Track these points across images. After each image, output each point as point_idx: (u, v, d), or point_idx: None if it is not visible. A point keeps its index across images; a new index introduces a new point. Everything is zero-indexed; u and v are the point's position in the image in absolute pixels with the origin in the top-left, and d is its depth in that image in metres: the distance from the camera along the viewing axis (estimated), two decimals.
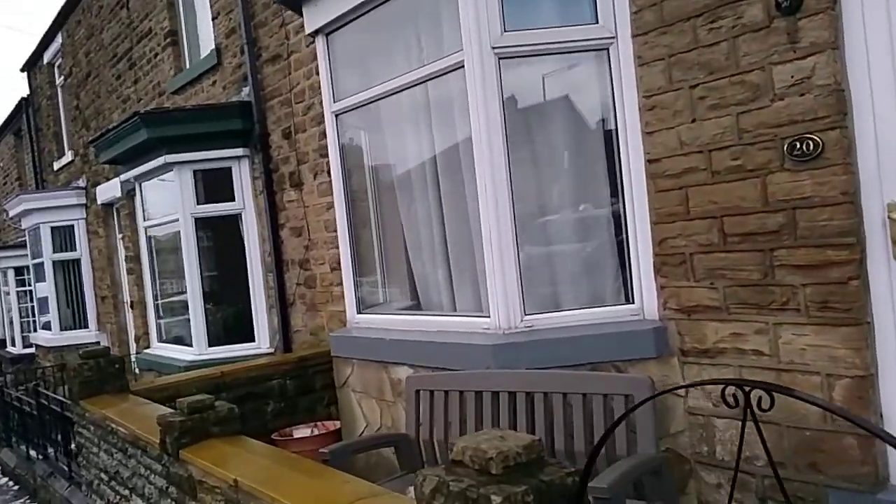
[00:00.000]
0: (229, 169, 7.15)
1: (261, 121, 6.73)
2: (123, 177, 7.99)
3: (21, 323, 15.78)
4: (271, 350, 7.07)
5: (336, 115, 4.83)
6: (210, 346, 7.18)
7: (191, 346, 7.26)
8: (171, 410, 3.90)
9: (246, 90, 6.95)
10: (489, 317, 3.80)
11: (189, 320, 7.43)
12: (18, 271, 15.75)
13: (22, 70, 14.80)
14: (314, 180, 6.15)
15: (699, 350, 3.52)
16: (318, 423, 5.25)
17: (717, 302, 3.44)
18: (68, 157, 12.74)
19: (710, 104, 3.45)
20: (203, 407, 3.63)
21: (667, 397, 3.51)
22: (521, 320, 3.73)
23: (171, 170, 7.13)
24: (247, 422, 5.63)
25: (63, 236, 12.19)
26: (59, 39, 12.57)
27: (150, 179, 7.77)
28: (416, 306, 4.65)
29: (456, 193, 4.30)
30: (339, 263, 5.91)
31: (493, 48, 3.74)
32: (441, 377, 3.76)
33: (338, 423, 5.09)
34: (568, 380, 3.23)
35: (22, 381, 10.83)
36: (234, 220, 7.32)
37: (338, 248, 5.90)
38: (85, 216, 12.10)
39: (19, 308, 15.78)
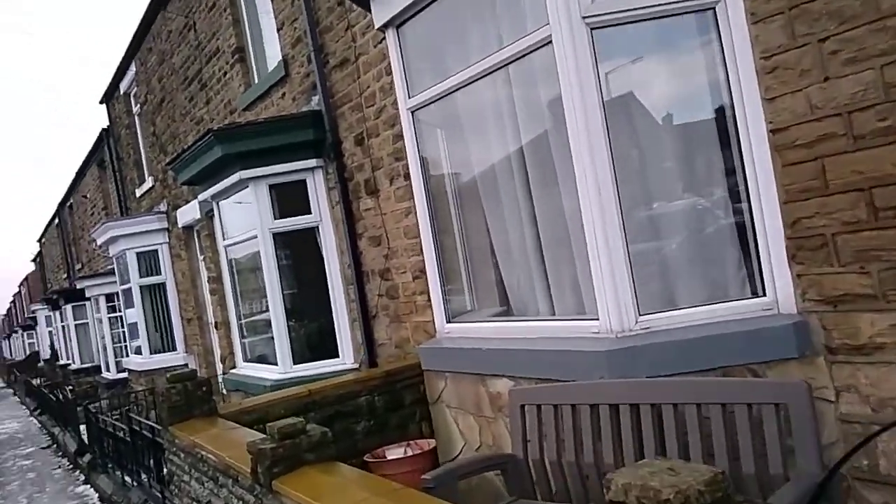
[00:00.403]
0: (304, 181, 6.99)
1: (332, 129, 6.53)
2: (201, 197, 7.99)
3: (114, 349, 16.30)
4: (356, 365, 6.85)
5: (412, 112, 4.54)
6: (295, 363, 7.02)
7: (276, 364, 7.12)
8: (262, 436, 3.68)
9: (316, 99, 6.78)
10: (597, 319, 3.40)
11: (272, 338, 7.31)
12: (109, 298, 16.29)
13: (101, 102, 15.33)
14: (390, 186, 5.88)
15: (851, 346, 3.01)
16: (411, 443, 4.95)
17: (871, 289, 2.94)
18: (149, 183, 13.04)
19: (845, 58, 2.97)
20: (295, 432, 3.38)
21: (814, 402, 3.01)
22: (636, 321, 3.30)
23: (247, 186, 7.03)
24: (337, 442, 5.40)
25: (148, 261, 12.46)
26: (132, 69, 12.91)
27: (226, 198, 7.72)
28: (506, 312, 4.29)
29: (547, 187, 3.92)
30: (422, 271, 5.63)
31: (584, 18, 3.35)
32: (548, 389, 3.38)
33: (432, 442, 4.78)
34: (703, 387, 2.78)
35: (116, 406, 11.07)
36: (311, 234, 7.15)
37: (420, 254, 5.63)
38: (168, 240, 12.33)
39: (111, 334, 16.30)
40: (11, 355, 50.13)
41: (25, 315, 42.31)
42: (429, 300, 5.59)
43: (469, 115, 4.43)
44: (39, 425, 17.21)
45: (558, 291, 3.91)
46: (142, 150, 13.90)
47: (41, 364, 29.81)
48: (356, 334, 6.82)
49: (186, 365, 12.22)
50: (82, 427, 10.91)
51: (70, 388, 17.01)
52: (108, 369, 16.64)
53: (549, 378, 3.48)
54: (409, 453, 4.81)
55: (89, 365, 20.44)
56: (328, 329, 7.14)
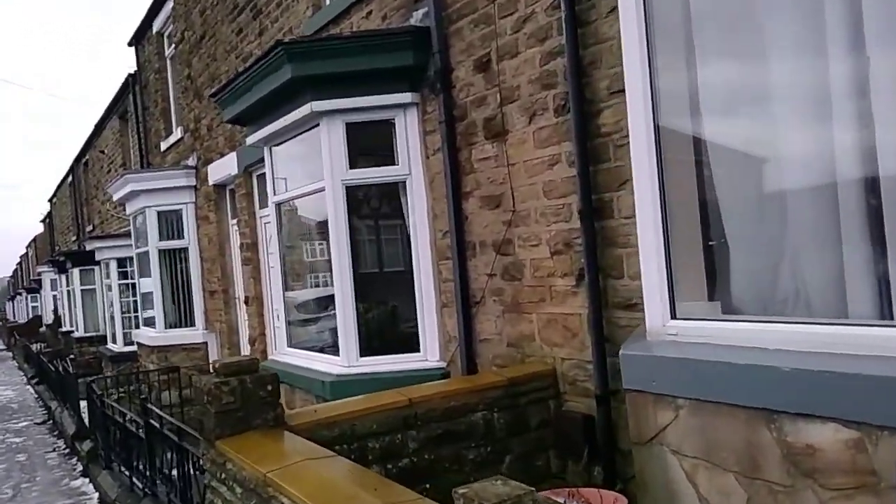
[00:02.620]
0: (391, 122, 5.41)
1: (442, 50, 4.94)
2: (252, 139, 6.42)
3: (122, 319, 14.80)
4: (442, 364, 5.27)
5: None
6: (362, 356, 5.45)
7: (336, 354, 5.56)
8: (369, 472, 2.12)
9: (419, 14, 5.19)
10: None
11: (333, 321, 5.75)
12: (121, 263, 14.77)
13: (129, 44, 13.78)
14: (528, 125, 4.30)
15: None
16: (575, 492, 3.33)
17: None
18: (177, 134, 11.49)
19: None
20: None
21: None
22: None
23: (317, 124, 5.46)
24: (439, 476, 3.85)
25: (170, 222, 10.91)
26: (169, 3, 11.34)
27: (284, 140, 6.15)
28: (766, 309, 2.69)
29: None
30: (567, 245, 4.07)
31: None
32: None
33: (613, 497, 3.18)
34: None
35: (122, 384, 9.55)
36: (393, 191, 5.58)
37: (565, 220, 4.06)
38: (194, 199, 10.78)
39: (121, 303, 14.80)
40: (14, 317, 48.88)
41: (31, 277, 40.99)
42: (575, 284, 4.02)
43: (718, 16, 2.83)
44: (36, 396, 15.76)
45: None
46: (171, 99, 12.35)
47: (43, 329, 28.41)
48: (445, 324, 5.25)
49: (206, 343, 10.70)
50: (84, 403, 9.41)
51: (72, 357, 15.53)
52: (114, 341, 15.13)
53: None
54: None
55: (94, 334, 18.97)
56: (407, 315, 5.58)
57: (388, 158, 5.51)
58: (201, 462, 3.43)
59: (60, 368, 11.26)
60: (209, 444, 3.26)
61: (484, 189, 4.74)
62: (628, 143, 3.13)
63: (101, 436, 7.09)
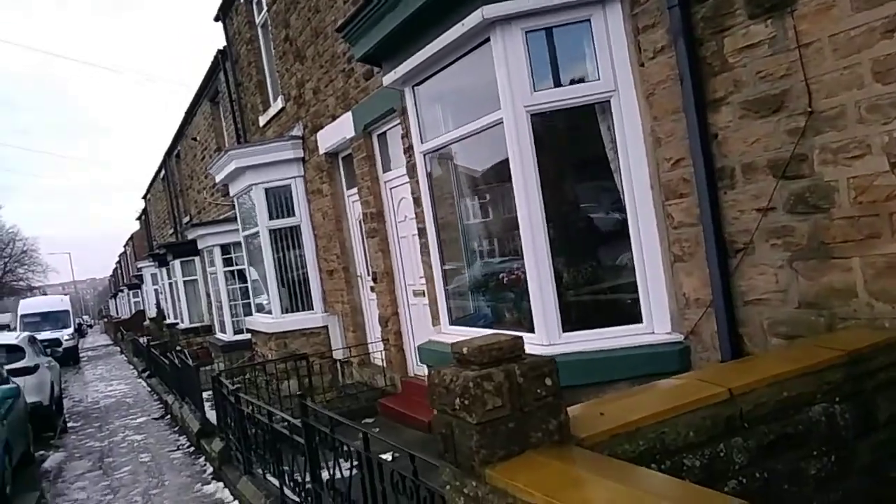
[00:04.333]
0: (584, 24, 4.13)
1: None
2: (389, 79, 5.27)
3: (230, 306, 14.21)
4: (678, 337, 4.01)
5: None
6: (565, 331, 4.24)
7: (527, 330, 4.37)
8: None
9: None
10: None
11: (515, 290, 4.59)
12: (224, 249, 14.16)
13: (216, 19, 12.99)
14: None
15: None
16: None
17: None
18: (278, 104, 10.57)
19: None
20: None
21: None
22: None
23: (487, 38, 4.26)
24: (773, 500, 2.61)
25: (279, 199, 10.02)
26: None
27: (432, 74, 4.99)
28: None
29: None
30: None
31: None
32: None
33: None
34: None
35: (235, 374, 8.75)
36: (589, 115, 4.32)
37: None
38: (303, 172, 9.83)
39: (228, 290, 14.20)
40: (118, 314, 50.71)
41: (131, 274, 42.15)
42: None
43: None
44: (149, 389, 15.49)
45: None
46: (266, 69, 11.46)
47: (146, 323, 28.84)
48: (682, 284, 3.97)
49: (326, 328, 9.80)
50: (205, 395, 8.68)
51: (178, 349, 15.13)
52: (223, 330, 14.60)
53: None
54: None
55: (199, 324, 18.72)
56: (621, 276, 4.33)
57: (583, 72, 4.25)
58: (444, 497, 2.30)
59: (176, 360, 10.64)
60: (469, 474, 2.11)
61: (749, 90, 3.40)
62: None
63: (237, 435, 6.21)
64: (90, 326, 65.10)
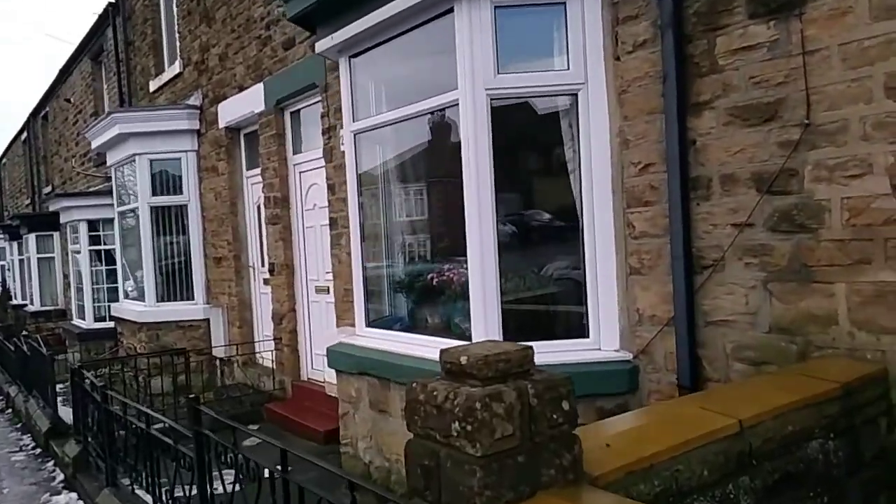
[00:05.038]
0: (559, 7, 3.77)
1: None
2: (325, 44, 4.67)
3: (93, 290, 12.75)
4: (626, 356, 3.71)
5: None
6: (506, 339, 3.83)
7: (457, 337, 3.93)
8: None
9: None
10: None
11: (443, 293, 4.17)
12: (92, 226, 12.70)
13: None
14: None
15: None
16: None
17: None
18: (175, 69, 9.54)
19: None
20: None
21: None
22: None
23: (451, 7, 3.81)
24: None
25: (165, 174, 9.01)
26: None
27: (375, 44, 4.47)
28: None
29: None
30: None
31: None
32: None
33: None
34: None
35: (89, 367, 7.70)
36: (551, 108, 3.97)
37: None
38: (197, 147, 8.89)
39: (92, 271, 12.74)
40: None
41: None
42: None
43: None
44: None
45: None
46: (164, 29, 10.36)
47: None
48: (636, 299, 3.68)
49: (207, 321, 8.90)
50: (58, 389, 7.56)
51: (25, 334, 13.40)
52: (81, 315, 13.06)
53: None
54: None
55: (51, 308, 16.83)
56: (567, 284, 3.99)
57: (550, 63, 3.89)
58: None
59: (24, 346, 9.27)
60: None
61: (738, 95, 3.16)
62: None
63: (100, 439, 5.30)
64: None
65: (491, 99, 3.79)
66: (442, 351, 1.81)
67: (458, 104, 3.85)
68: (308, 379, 7.13)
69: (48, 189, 18.57)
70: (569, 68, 3.78)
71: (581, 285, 3.87)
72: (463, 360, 1.70)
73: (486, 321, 3.82)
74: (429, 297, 4.63)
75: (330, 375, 6.06)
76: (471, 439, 1.57)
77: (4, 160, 26.67)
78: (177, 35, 9.59)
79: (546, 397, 1.68)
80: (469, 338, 3.88)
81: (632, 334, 3.72)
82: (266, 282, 7.82)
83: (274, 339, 7.43)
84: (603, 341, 3.80)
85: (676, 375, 3.47)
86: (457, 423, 1.60)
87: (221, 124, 8.23)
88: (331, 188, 6.17)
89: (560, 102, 3.92)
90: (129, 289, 10.03)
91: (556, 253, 4.11)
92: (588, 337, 3.84)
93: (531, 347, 1.78)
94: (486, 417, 1.57)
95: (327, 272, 6.55)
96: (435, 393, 1.68)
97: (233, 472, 3.26)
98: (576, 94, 3.79)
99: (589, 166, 3.79)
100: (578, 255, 3.87)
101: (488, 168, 3.80)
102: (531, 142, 4.24)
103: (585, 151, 3.79)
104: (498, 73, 3.79)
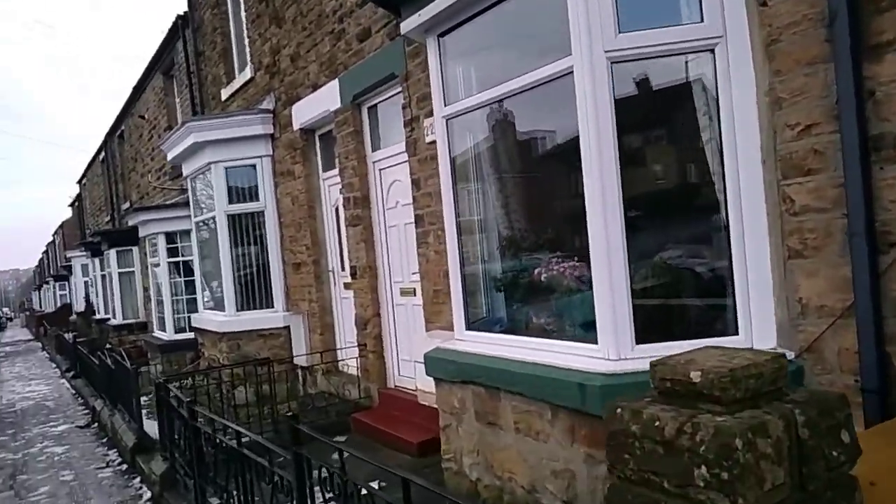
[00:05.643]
0: None
1: None
2: (411, 23, 4.27)
3: (173, 302, 12.82)
4: (787, 355, 3.11)
5: None
6: (639, 342, 3.32)
7: (586, 340, 3.44)
8: None
9: None
10: None
11: (567, 286, 3.66)
12: (170, 238, 12.79)
13: None
14: None
15: None
16: None
17: None
18: (245, 74, 9.40)
19: None
20: None
21: None
22: None
23: None
24: None
25: (241, 181, 8.85)
26: None
27: (468, 18, 4.03)
28: None
29: None
30: None
31: None
32: None
33: None
34: None
35: (181, 378, 7.54)
36: (679, 81, 3.43)
37: None
38: (271, 151, 8.69)
39: (171, 283, 12.81)
40: (41, 307, 47.50)
41: (59, 264, 39.45)
42: None
43: None
44: (73, 392, 13.88)
45: None
46: (233, 36, 10.26)
47: (73, 317, 26.71)
48: (797, 286, 3.09)
49: (287, 328, 8.66)
50: (142, 401, 7.42)
51: (108, 347, 13.60)
52: (162, 328, 13.17)
53: None
54: None
55: (133, 321, 17.13)
56: (710, 273, 3.44)
57: (678, 16, 3.36)
58: None
59: (109, 360, 9.27)
60: None
61: None
62: None
63: (188, 456, 5.04)
64: (9, 319, 61.19)
65: (611, 63, 3.29)
66: (653, 363, 1.34)
67: (571, 72, 3.36)
68: (396, 386, 6.75)
69: (126, 205, 19.00)
70: (702, 21, 3.24)
71: (723, 274, 3.31)
72: (694, 375, 1.21)
73: (614, 319, 3.31)
74: (535, 294, 4.15)
75: (422, 382, 5.66)
76: (729, 492, 1.08)
77: (85, 180, 27.66)
78: (246, 40, 9.44)
79: (822, 427, 1.18)
80: (593, 339, 3.39)
81: (793, 329, 3.14)
82: (347, 286, 7.50)
83: (358, 345, 7.09)
84: (756, 338, 3.23)
85: (857, 377, 2.88)
86: (704, 469, 1.11)
87: (296, 126, 7.98)
88: (415, 183, 5.77)
89: (691, 62, 3.38)
90: (206, 299, 9.93)
91: (691, 238, 3.56)
92: (737, 334, 3.27)
93: (783, 355, 1.28)
94: (749, 460, 1.07)
95: (413, 273, 6.16)
96: (657, 423, 1.21)
97: (330, 490, 2.91)
98: (712, 50, 3.25)
99: (732, 134, 3.23)
100: (720, 239, 3.32)
101: (612, 144, 3.29)
102: (656, 111, 3.71)
103: (726, 116, 3.24)
104: (619, 31, 3.28)
